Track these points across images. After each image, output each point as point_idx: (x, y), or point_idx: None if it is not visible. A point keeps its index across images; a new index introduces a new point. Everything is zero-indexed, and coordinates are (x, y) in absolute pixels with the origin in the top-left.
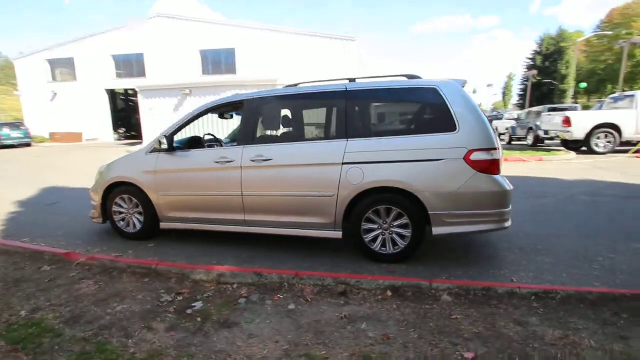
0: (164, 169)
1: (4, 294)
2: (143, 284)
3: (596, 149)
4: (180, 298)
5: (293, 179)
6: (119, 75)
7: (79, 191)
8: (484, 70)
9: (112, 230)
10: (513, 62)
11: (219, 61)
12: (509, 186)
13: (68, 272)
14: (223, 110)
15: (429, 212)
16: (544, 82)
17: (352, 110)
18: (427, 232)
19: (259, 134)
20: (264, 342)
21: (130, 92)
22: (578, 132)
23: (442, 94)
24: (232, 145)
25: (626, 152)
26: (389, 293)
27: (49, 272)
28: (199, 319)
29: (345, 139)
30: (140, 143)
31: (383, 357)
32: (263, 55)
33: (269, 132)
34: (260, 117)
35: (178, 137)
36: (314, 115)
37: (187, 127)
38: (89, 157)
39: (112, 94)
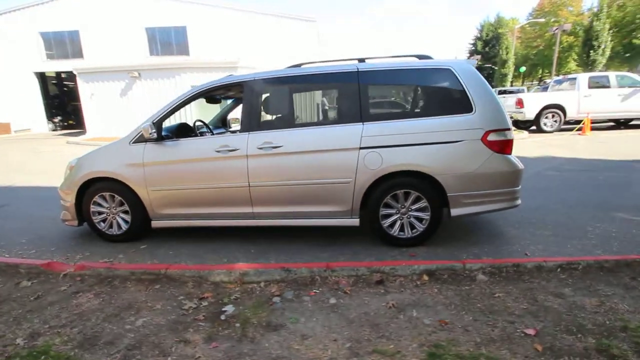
0: (154, 160)
1: None
2: (155, 292)
3: (545, 127)
4: (205, 303)
5: (306, 167)
6: (49, 57)
7: (25, 190)
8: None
9: (88, 233)
10: (457, 47)
11: (168, 41)
12: (520, 165)
13: (56, 286)
14: (218, 93)
15: (448, 194)
16: (485, 67)
17: (366, 92)
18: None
19: (264, 119)
20: (321, 342)
21: (64, 75)
22: (529, 112)
23: (456, 74)
24: (234, 133)
25: (570, 130)
26: (426, 277)
27: (30, 288)
28: (237, 325)
29: (361, 123)
30: (83, 133)
31: (452, 344)
32: (219, 35)
33: (275, 117)
34: (264, 101)
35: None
36: (324, 98)
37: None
38: (24, 150)
39: (43, 78)
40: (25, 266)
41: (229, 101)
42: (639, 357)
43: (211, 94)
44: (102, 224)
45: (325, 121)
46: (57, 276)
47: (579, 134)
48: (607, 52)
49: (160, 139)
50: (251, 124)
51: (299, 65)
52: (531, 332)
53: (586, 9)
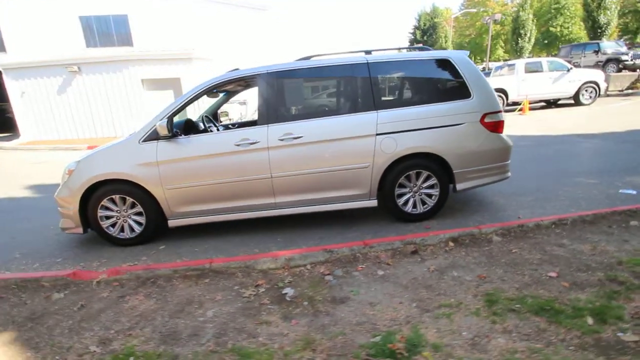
0: (169, 158)
1: (31, 336)
2: (207, 286)
3: None
4: (262, 289)
5: (327, 155)
6: None
7: None
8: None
9: (87, 240)
10: (398, 36)
11: (107, 31)
12: (510, 142)
13: (95, 294)
14: (230, 87)
15: (454, 171)
16: None
17: (377, 82)
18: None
19: (280, 111)
20: (390, 306)
21: None
22: None
23: (454, 63)
24: (253, 126)
25: (512, 111)
26: (451, 244)
27: (66, 299)
28: (305, 303)
29: (375, 111)
30: (15, 137)
31: (499, 291)
32: (166, 24)
33: (293, 109)
34: (279, 93)
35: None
36: (335, 88)
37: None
38: None
39: None
40: (49, 279)
41: (221, 95)
42: (637, 279)
43: (225, 88)
44: (111, 228)
45: (341, 111)
46: (89, 284)
47: (520, 114)
48: (532, 40)
49: (173, 135)
50: (269, 116)
51: (308, 58)
52: (554, 274)
53: (509, 0)
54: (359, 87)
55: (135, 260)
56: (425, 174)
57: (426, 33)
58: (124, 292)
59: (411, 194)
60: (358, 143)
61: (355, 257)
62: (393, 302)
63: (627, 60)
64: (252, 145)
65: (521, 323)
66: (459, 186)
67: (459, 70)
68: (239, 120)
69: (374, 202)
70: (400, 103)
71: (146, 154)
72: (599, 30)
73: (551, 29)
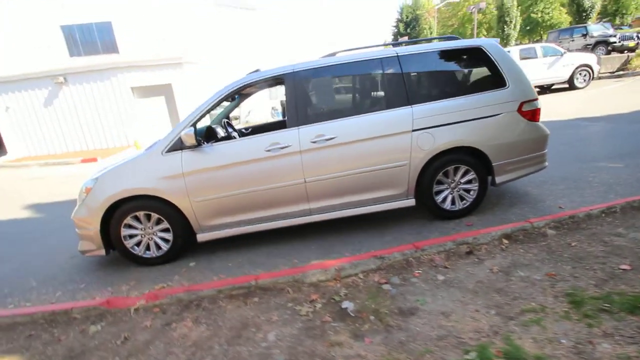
0: (195, 169)
1: None
2: (258, 305)
3: None
4: (319, 305)
5: (362, 155)
6: None
7: None
8: (357, 39)
9: (110, 261)
10: (381, 30)
11: (91, 39)
12: (547, 130)
13: (136, 324)
14: (255, 88)
15: (493, 164)
16: None
17: (409, 75)
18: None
19: (310, 112)
20: (467, 315)
21: None
22: None
23: (487, 52)
24: (283, 129)
25: None
26: (505, 241)
27: (105, 331)
28: (371, 317)
29: (409, 106)
30: (3, 154)
31: (578, 290)
32: (152, 29)
33: (323, 108)
34: (308, 93)
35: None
36: (366, 84)
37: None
38: None
39: None
40: (80, 309)
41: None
42: None
43: (250, 90)
44: (136, 247)
45: (373, 108)
46: (127, 313)
47: None
48: (518, 27)
49: (198, 144)
50: (299, 117)
51: (333, 54)
52: (627, 267)
53: None
54: (391, 81)
55: (167, 280)
56: (463, 168)
57: (409, 25)
58: (168, 319)
59: (449, 190)
60: (394, 141)
61: (408, 262)
62: (468, 310)
63: (615, 42)
64: (284, 150)
65: (619, 324)
66: (499, 179)
67: (492, 58)
68: (238, 124)
69: (412, 202)
70: (434, 96)
71: (171, 165)
72: (584, 14)
73: (532, 15)
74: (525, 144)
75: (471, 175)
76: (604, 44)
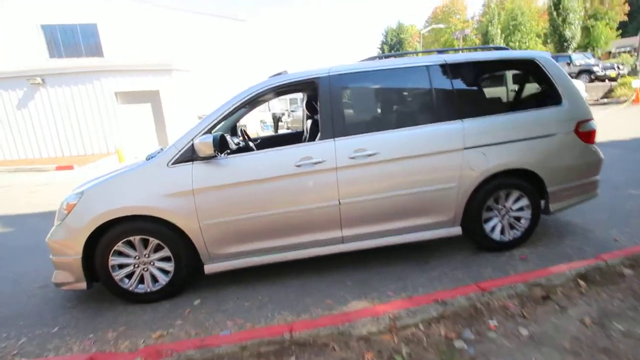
0: (210, 185)
1: None
2: None
3: None
4: None
5: (405, 174)
6: None
7: None
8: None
9: (90, 295)
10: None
11: (74, 40)
12: (602, 154)
13: None
14: (281, 92)
15: (548, 189)
16: None
17: (459, 85)
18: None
19: (348, 122)
20: None
21: None
22: None
23: (541, 65)
24: (316, 141)
25: None
26: (582, 282)
27: None
28: None
29: (459, 120)
30: None
31: None
32: (139, 35)
33: (361, 119)
34: (345, 100)
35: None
36: (411, 93)
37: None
38: None
39: None
40: None
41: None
42: None
43: (275, 94)
44: (126, 280)
45: (420, 120)
46: None
47: None
48: None
49: (215, 155)
50: (335, 128)
51: (373, 59)
52: None
53: (469, 17)
54: (439, 91)
55: (167, 325)
56: (516, 193)
57: (393, 48)
58: None
59: (499, 217)
60: (442, 159)
61: (476, 309)
62: None
63: (598, 72)
64: (317, 166)
65: None
66: (553, 206)
67: (547, 72)
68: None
69: (458, 230)
70: (486, 110)
71: (179, 180)
72: (565, 44)
73: (510, 44)
74: (581, 168)
75: (524, 202)
76: (587, 73)
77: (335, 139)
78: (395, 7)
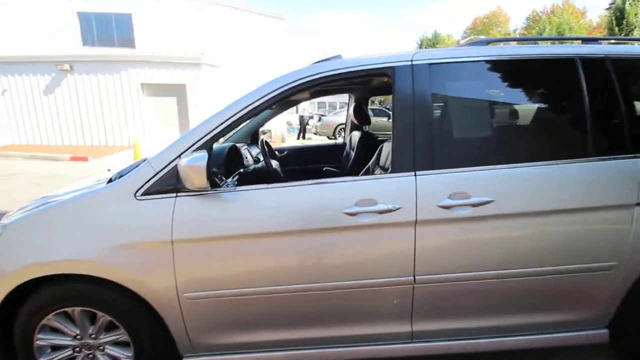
0: (200, 235)
1: None
2: None
3: None
4: None
5: (532, 241)
6: None
7: None
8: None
9: None
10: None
11: (108, 29)
12: None
13: None
14: (323, 90)
15: None
16: None
17: (627, 98)
18: None
19: (442, 146)
20: None
21: None
22: None
23: None
24: (385, 174)
25: None
26: None
27: None
28: None
29: (634, 155)
30: None
31: None
32: (173, 27)
33: (465, 142)
34: (438, 109)
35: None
36: (547, 105)
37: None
38: None
39: None
40: None
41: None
42: None
43: (315, 89)
44: None
45: (563, 152)
46: None
47: None
48: None
49: (213, 184)
50: (417, 155)
51: (480, 43)
52: None
53: (511, 29)
54: (597, 104)
55: None
56: None
57: None
58: None
59: None
60: (596, 220)
61: None
62: None
63: None
64: (383, 216)
65: None
66: None
67: None
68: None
69: (604, 334)
70: None
71: (149, 222)
72: None
73: None
74: None
75: None
76: None
77: (417, 173)
78: (432, 16)
